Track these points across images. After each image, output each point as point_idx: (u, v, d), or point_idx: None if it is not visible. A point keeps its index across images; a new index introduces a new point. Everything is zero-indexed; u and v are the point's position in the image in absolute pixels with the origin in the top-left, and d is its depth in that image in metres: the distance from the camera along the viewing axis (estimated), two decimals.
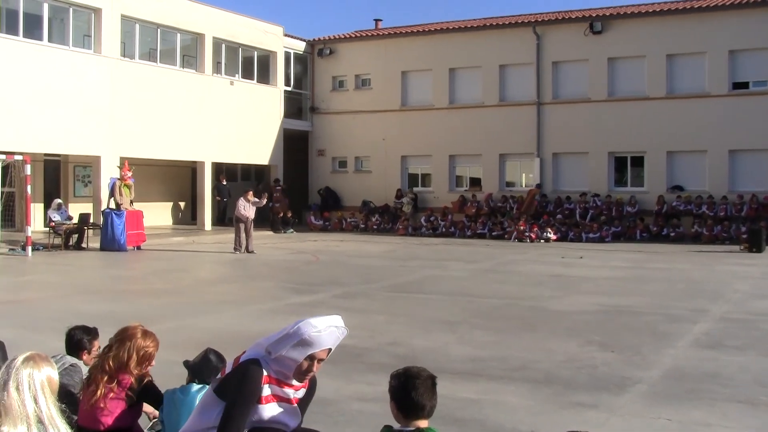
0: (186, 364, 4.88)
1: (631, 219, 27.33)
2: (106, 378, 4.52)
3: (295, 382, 3.92)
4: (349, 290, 13.73)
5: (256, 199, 21.59)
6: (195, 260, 19.68)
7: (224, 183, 31.13)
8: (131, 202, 22.07)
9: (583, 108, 28.97)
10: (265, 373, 3.82)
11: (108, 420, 4.51)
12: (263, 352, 3.84)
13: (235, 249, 20.78)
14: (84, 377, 4.93)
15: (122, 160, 23.83)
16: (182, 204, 32.00)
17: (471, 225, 28.56)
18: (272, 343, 3.81)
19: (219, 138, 29.22)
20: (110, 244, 21.27)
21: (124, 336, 4.63)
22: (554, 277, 15.91)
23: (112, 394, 4.51)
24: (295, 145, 33.79)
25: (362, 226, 31.00)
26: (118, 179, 21.94)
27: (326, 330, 3.81)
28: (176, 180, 31.48)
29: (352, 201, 32.72)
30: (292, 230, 30.04)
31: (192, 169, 31.05)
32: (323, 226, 31.46)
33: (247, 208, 20.99)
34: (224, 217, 31.06)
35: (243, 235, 20.87)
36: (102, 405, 4.49)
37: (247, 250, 20.73)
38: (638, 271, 17.14)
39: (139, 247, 21.77)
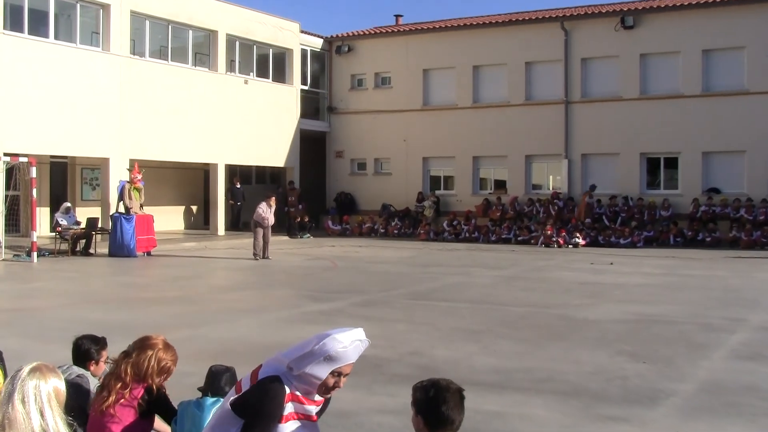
0: (200, 390, 4.88)
1: (664, 223, 27.12)
2: (119, 384, 4.52)
3: (317, 398, 3.90)
4: (368, 298, 13.72)
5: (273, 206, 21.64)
6: (208, 266, 19.74)
7: (238, 186, 31.27)
8: (141, 206, 22.19)
9: (614, 107, 28.81)
10: (287, 390, 3.78)
11: (117, 428, 4.49)
12: (284, 367, 3.79)
13: (255, 255, 20.81)
14: (92, 388, 4.95)
15: (132, 162, 24.01)
16: (194, 208, 32.18)
17: (495, 230, 28.46)
18: (295, 360, 3.76)
19: (233, 139, 29.37)
20: (119, 249, 21.40)
21: (145, 344, 4.63)
22: (583, 285, 15.82)
23: (123, 401, 4.51)
24: (312, 147, 33.86)
25: (382, 230, 31.00)
26: (128, 182, 22.04)
27: (352, 345, 3.81)
28: (188, 183, 31.66)
29: (371, 204, 32.74)
30: (308, 235, 30.10)
31: (204, 172, 31.21)
32: (341, 230, 31.51)
33: (267, 213, 20.99)
34: (238, 221, 31.18)
35: (261, 240, 20.89)
36: (112, 412, 4.49)
37: (263, 256, 20.80)
38: (672, 278, 16.99)
39: (149, 253, 21.88)
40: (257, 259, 20.53)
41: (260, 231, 20.86)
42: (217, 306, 12.82)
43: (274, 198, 21.58)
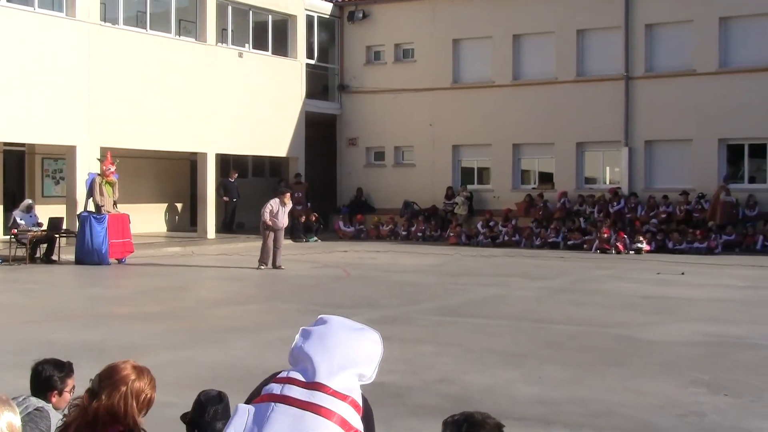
0: (184, 419, 4.82)
1: (749, 225, 26.94)
2: None
3: None
4: (387, 313, 13.75)
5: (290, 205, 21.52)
6: (195, 276, 19.79)
7: (233, 180, 31.44)
8: (115, 203, 22.27)
9: (686, 83, 28.64)
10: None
11: None
12: (356, 380, 3.78)
13: (261, 264, 20.70)
14: (53, 424, 4.92)
15: (104, 151, 24.08)
16: (179, 206, 32.34)
17: (540, 232, 28.39)
18: (372, 369, 3.81)
19: (225, 124, 29.49)
20: (88, 256, 21.48)
21: (115, 379, 4.48)
22: (647, 299, 15.74)
23: None
24: (320, 133, 33.91)
25: (403, 233, 31.01)
26: (99, 175, 22.12)
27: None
28: (172, 176, 31.81)
29: (390, 202, 32.76)
30: (315, 238, 30.16)
31: (191, 163, 31.32)
32: (355, 233, 31.55)
33: (280, 214, 20.87)
34: (232, 222, 31.28)
35: (271, 246, 20.80)
36: None
37: (274, 265, 20.76)
38: (758, 292, 16.86)
39: (122, 260, 21.96)
40: (262, 269, 20.49)
41: (270, 235, 20.70)
42: (206, 323, 12.86)
43: (288, 195, 21.30)
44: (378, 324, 12.69)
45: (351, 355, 3.78)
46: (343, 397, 3.66)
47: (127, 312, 14.02)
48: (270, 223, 20.67)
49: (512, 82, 31.11)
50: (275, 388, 3.69)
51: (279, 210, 20.82)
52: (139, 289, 17.29)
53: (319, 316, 4.01)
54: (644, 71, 29.19)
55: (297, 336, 3.84)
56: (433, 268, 21.33)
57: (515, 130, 30.90)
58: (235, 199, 31.27)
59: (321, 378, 3.67)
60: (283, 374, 3.77)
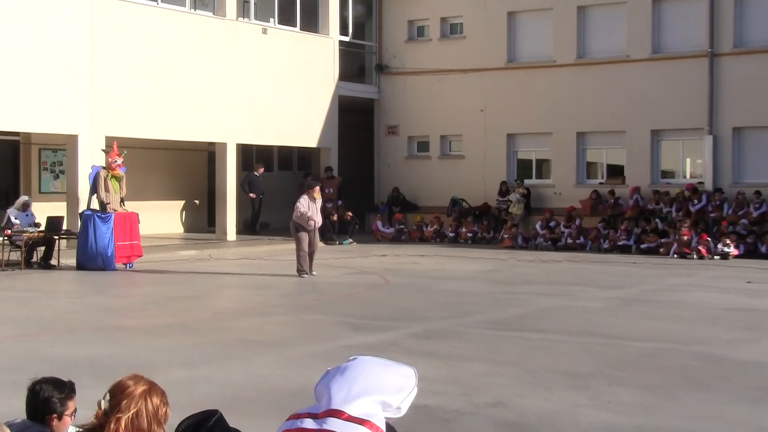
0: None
1: None
2: None
3: None
4: (431, 327, 13.70)
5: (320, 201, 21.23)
6: (213, 284, 19.89)
7: (259, 174, 31.62)
8: (122, 200, 22.39)
9: None
10: None
11: None
12: (379, 409, 3.82)
13: (301, 272, 20.46)
14: None
15: (109, 141, 24.21)
16: (196, 202, 32.58)
17: (609, 233, 28.21)
18: (400, 399, 3.84)
19: (247, 110, 29.65)
20: (92, 260, 21.64)
21: (131, 396, 4.50)
22: (735, 312, 15.59)
23: None
24: (355, 121, 33.95)
25: (451, 234, 30.96)
26: (103, 168, 22.26)
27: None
28: (186, 169, 32.03)
29: (435, 199, 32.74)
30: (350, 240, 30.26)
31: (209, 154, 31.52)
32: (395, 234, 31.55)
33: (313, 211, 20.62)
34: (256, 222, 31.40)
35: (308, 249, 20.59)
36: None
37: (310, 271, 20.60)
38: None
39: (129, 265, 22.10)
40: (305, 277, 20.28)
41: (304, 237, 20.42)
42: (224, 337, 12.89)
43: (318, 188, 21.01)
44: (421, 339, 12.66)
45: (373, 383, 3.81)
46: (360, 422, 3.69)
47: (135, 324, 14.09)
48: (307, 223, 20.42)
49: (576, 61, 30.97)
50: (289, 425, 3.78)
51: (311, 207, 20.59)
52: (148, 299, 17.38)
53: (351, 357, 4.02)
54: (732, 46, 28.88)
55: (322, 376, 3.93)
56: (484, 275, 21.30)
57: (580, 116, 30.73)
58: (261, 196, 31.44)
59: (336, 405, 3.72)
60: (301, 410, 3.84)
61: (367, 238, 31.42)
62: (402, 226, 31.91)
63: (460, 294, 17.81)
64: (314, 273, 20.66)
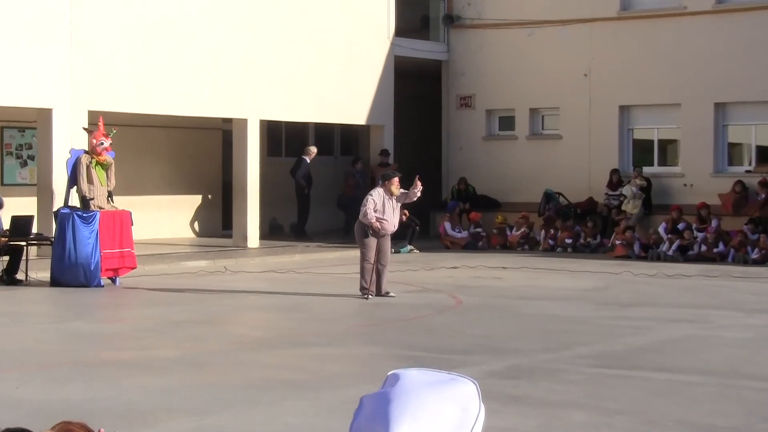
0: None
1: None
2: None
3: None
4: (519, 363, 13.66)
5: (406, 191, 20.60)
6: (229, 305, 19.95)
7: (308, 158, 31.84)
8: (110, 194, 22.40)
9: None
10: None
11: None
12: None
13: (365, 291, 20.13)
14: None
15: (93, 117, 24.29)
16: (208, 198, 32.79)
17: (760, 239, 27.92)
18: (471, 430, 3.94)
19: (273, 77, 29.74)
20: (70, 273, 21.62)
21: None
22: None
23: None
24: (416, 89, 33.93)
25: (550, 242, 30.76)
26: (86, 153, 22.33)
27: None
28: (194, 154, 32.20)
29: (523, 193, 32.66)
30: (409, 247, 30.26)
31: (223, 135, 31.70)
32: (469, 239, 31.48)
33: (388, 211, 20.24)
34: (303, 225, 31.56)
35: (373, 261, 20.21)
36: None
37: (380, 292, 20.27)
38: None
39: (115, 280, 22.14)
40: (369, 298, 20.04)
41: (372, 245, 20.06)
42: (243, 376, 12.90)
43: (397, 181, 20.47)
44: (505, 379, 12.57)
45: (429, 425, 3.86)
46: None
47: (127, 358, 14.11)
48: (377, 226, 19.98)
49: (716, 7, 30.77)
50: None
51: (386, 204, 20.10)
52: (145, 324, 17.40)
53: (389, 374, 4.06)
54: None
55: (356, 409, 3.97)
56: (589, 294, 21.19)
57: (718, 81, 30.52)
58: (307, 191, 31.87)
59: None
60: None
61: (431, 244, 31.43)
62: (478, 229, 31.83)
63: (557, 319, 17.74)
64: (390, 293, 20.25)
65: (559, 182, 32.24)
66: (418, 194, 20.36)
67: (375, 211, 19.85)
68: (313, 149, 31.91)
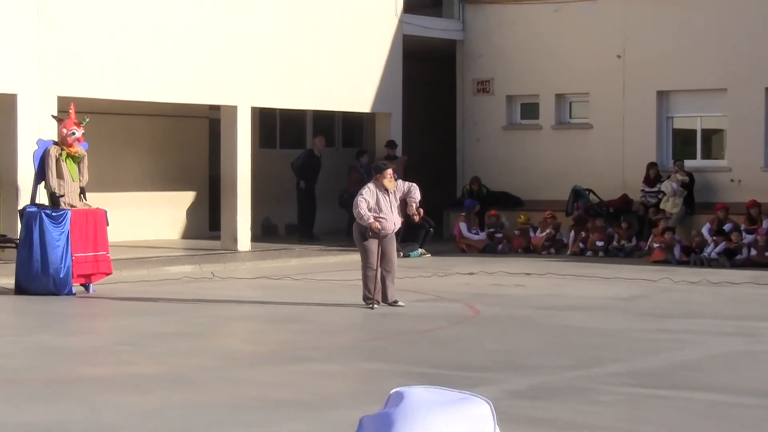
0: None
1: None
2: None
3: None
4: (543, 381, 13.66)
5: (407, 184, 20.58)
6: (217, 315, 19.97)
7: (319, 152, 32.12)
8: (82, 191, 22.42)
9: None
10: None
11: None
12: None
13: (369, 300, 20.08)
14: None
15: (64, 103, 24.26)
16: (190, 196, 32.83)
17: None
18: None
19: (267, 58, 29.82)
20: (37, 280, 21.61)
21: None
22: None
23: None
24: (427, 73, 33.97)
25: (581, 245, 30.77)
26: (56, 144, 22.34)
27: None
28: (179, 146, 32.30)
29: (548, 190, 32.70)
30: (420, 250, 30.35)
31: (210, 124, 31.79)
32: (488, 242, 31.52)
33: (384, 207, 20.16)
34: (311, 224, 31.73)
35: (377, 266, 20.16)
36: None
37: (386, 299, 20.25)
38: None
39: (88, 287, 22.09)
40: (375, 308, 20.01)
41: (373, 248, 19.98)
42: (234, 395, 12.90)
43: (390, 173, 20.31)
44: (528, 399, 12.57)
45: None
46: None
47: (102, 374, 14.12)
48: (376, 226, 19.81)
49: None
50: None
51: (381, 201, 20.03)
52: (122, 337, 17.39)
53: (392, 392, 4.07)
54: None
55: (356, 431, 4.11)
56: (623, 304, 21.18)
57: None
58: (301, 185, 32.00)
59: None
60: None
61: (445, 247, 31.50)
62: (498, 231, 31.86)
63: (586, 332, 17.74)
64: (399, 302, 20.18)
65: (589, 177, 32.24)
66: (418, 197, 20.29)
67: (370, 210, 19.75)
68: (320, 139, 32.20)
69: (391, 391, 4.22)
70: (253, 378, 14.07)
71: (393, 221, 20.05)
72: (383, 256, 19.99)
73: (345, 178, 32.76)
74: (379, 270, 19.96)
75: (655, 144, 32.05)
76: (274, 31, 29.82)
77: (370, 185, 20.05)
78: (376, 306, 19.88)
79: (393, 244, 20.38)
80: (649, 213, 30.87)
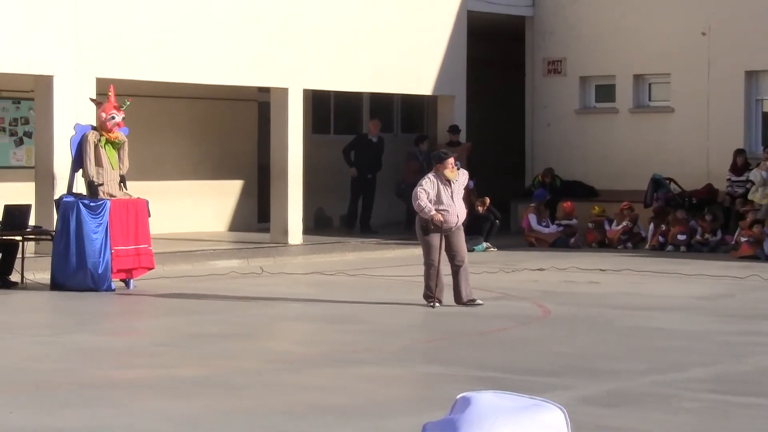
0: None
1: None
2: None
3: None
4: (619, 387, 13.60)
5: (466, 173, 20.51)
6: (267, 314, 20.01)
7: (374, 137, 32.13)
8: (123, 180, 22.47)
9: None
10: None
11: None
12: None
13: (430, 298, 20.04)
14: None
15: (103, 86, 24.33)
16: (237, 185, 32.88)
17: None
18: None
19: (321, 38, 29.81)
20: (74, 275, 21.74)
21: None
22: None
23: None
24: (493, 52, 33.86)
25: (660, 239, 30.56)
26: (94, 129, 22.38)
27: None
28: (225, 131, 32.39)
29: (625, 179, 32.61)
30: (485, 244, 30.39)
31: (259, 107, 31.93)
32: (559, 235, 31.48)
33: (445, 198, 19.86)
34: (368, 216, 31.70)
35: (438, 263, 20.05)
36: None
37: (459, 300, 20.14)
38: None
39: (128, 282, 22.15)
40: (436, 307, 19.96)
41: (436, 242, 19.89)
42: (283, 400, 12.88)
43: (452, 161, 20.08)
44: (603, 407, 12.48)
45: None
46: None
47: (141, 377, 14.15)
48: (439, 219, 19.63)
49: None
50: None
51: (441, 192, 19.82)
52: (163, 337, 17.47)
53: (458, 397, 4.01)
54: None
55: None
56: (707, 304, 21.07)
57: None
58: (370, 175, 32.02)
59: None
60: None
61: (513, 241, 31.55)
62: (570, 222, 31.81)
63: (666, 334, 17.65)
64: (477, 301, 20.07)
65: (670, 165, 32.12)
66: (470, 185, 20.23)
67: (431, 197, 19.60)
68: (375, 123, 32.26)
69: (458, 397, 4.19)
70: (305, 382, 14.04)
71: (456, 213, 19.81)
72: (451, 251, 19.87)
73: (403, 166, 32.74)
74: (447, 266, 19.83)
75: (743, 129, 31.93)
76: (329, 7, 29.85)
77: (431, 175, 19.92)
78: (437, 305, 19.78)
79: (460, 238, 20.14)
80: (736, 204, 30.67)
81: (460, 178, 20.04)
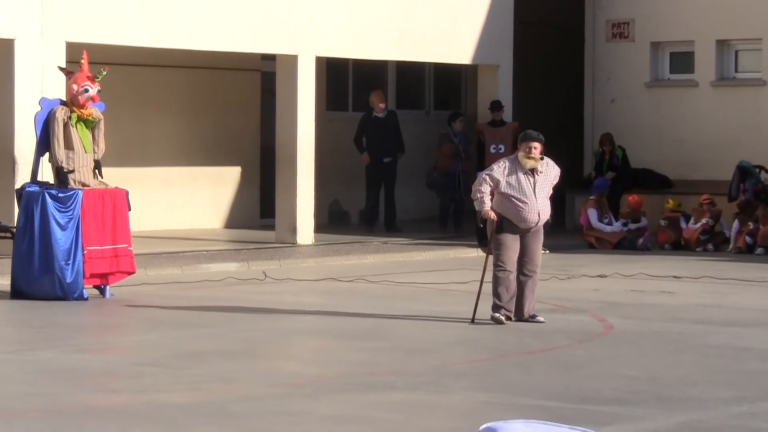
0: None
1: None
2: None
3: None
4: (702, 418, 13.56)
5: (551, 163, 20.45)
6: (271, 328, 20.10)
7: (382, 114, 32.07)
8: (98, 165, 22.62)
9: None
10: None
11: None
12: None
13: (499, 310, 19.84)
14: None
15: (74, 51, 24.49)
16: (236, 172, 33.02)
17: None
18: None
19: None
20: (40, 280, 21.93)
21: None
22: None
23: None
24: (545, 14, 34.05)
25: (747, 239, 30.56)
26: (64, 104, 22.53)
27: None
28: (222, 107, 32.51)
29: (707, 167, 32.63)
30: None
31: (262, 78, 32.11)
32: (625, 235, 31.59)
33: (525, 188, 19.86)
34: (393, 211, 31.84)
35: (513, 269, 20.06)
36: None
37: (521, 316, 20.07)
38: None
39: (102, 290, 22.28)
40: (506, 322, 19.91)
41: (508, 243, 19.86)
42: (290, 431, 12.98)
43: (537, 146, 20.07)
44: None
45: None
46: None
47: (120, 404, 14.24)
48: (491, 216, 19.57)
49: None
50: None
51: (522, 181, 19.63)
52: (146, 356, 17.59)
53: (482, 428, 4.20)
54: None
55: None
56: None
57: None
58: (388, 159, 32.04)
59: None
60: None
61: (569, 241, 31.81)
62: (639, 221, 31.96)
63: (754, 354, 17.67)
64: (538, 317, 20.09)
65: (760, 151, 32.19)
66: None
67: (491, 193, 19.49)
68: (379, 95, 32.30)
69: (481, 428, 4.29)
70: (317, 410, 14.08)
71: (537, 211, 19.69)
72: (524, 257, 19.83)
73: (437, 148, 32.73)
74: (514, 272, 19.70)
75: None
76: None
77: (508, 160, 19.99)
78: (508, 321, 19.66)
79: (538, 242, 20.17)
80: None
81: (549, 171, 20.03)
